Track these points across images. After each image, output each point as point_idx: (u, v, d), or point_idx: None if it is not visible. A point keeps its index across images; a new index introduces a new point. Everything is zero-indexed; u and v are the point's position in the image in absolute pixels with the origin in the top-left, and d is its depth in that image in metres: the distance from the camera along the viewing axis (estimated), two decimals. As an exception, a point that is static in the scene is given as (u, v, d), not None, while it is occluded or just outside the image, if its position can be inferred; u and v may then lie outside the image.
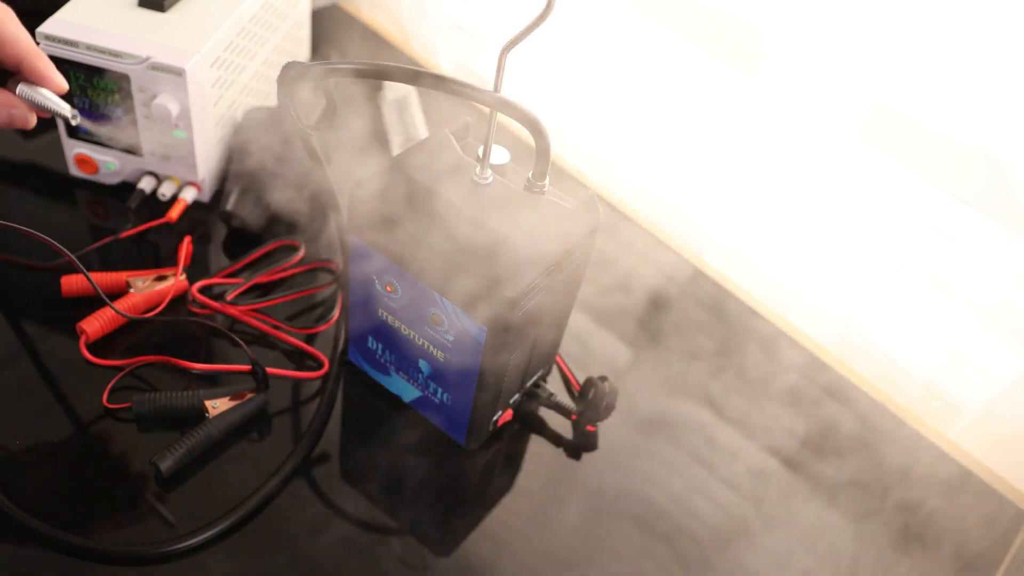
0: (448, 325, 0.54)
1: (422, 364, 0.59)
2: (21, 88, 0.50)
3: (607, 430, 0.66)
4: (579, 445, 0.65)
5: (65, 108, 0.52)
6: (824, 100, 0.69)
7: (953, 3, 0.59)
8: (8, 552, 0.53)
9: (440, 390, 0.60)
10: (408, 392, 0.63)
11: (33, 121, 0.51)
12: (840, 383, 0.74)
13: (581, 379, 0.68)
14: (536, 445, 0.65)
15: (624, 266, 0.81)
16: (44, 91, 0.51)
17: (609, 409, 0.65)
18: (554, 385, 0.69)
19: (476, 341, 0.53)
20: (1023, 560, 0.63)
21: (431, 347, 0.57)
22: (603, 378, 0.65)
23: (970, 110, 0.61)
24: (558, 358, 0.70)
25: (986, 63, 0.59)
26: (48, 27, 0.67)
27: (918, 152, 0.66)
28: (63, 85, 0.52)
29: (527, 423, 0.66)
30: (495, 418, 0.62)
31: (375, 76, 0.49)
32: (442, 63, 1.02)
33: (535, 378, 0.65)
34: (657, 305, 0.78)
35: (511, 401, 0.63)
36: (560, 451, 0.65)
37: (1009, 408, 0.68)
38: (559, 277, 0.54)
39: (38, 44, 0.67)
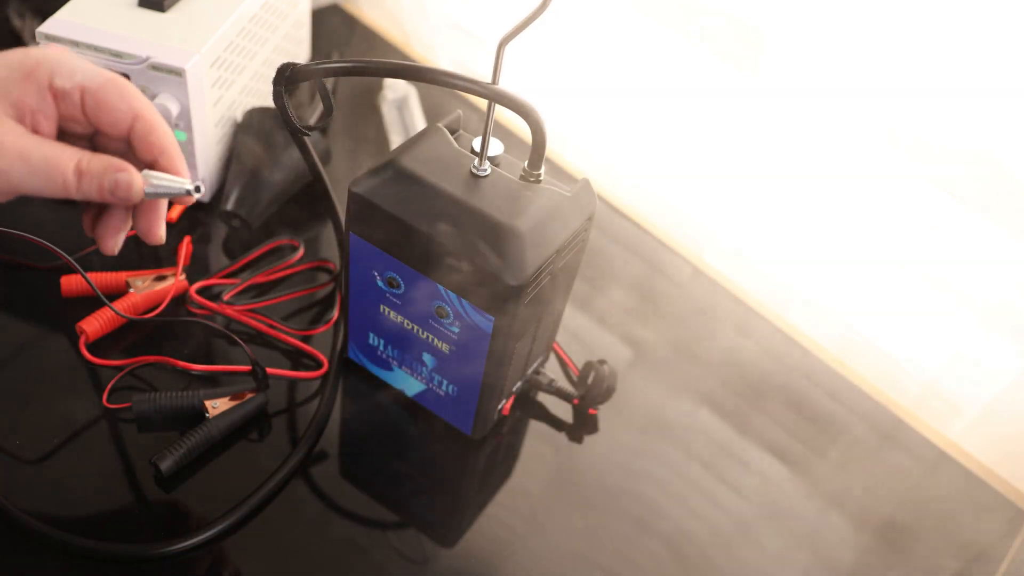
0: (454, 318, 0.55)
1: (426, 358, 0.59)
2: (147, 174, 0.45)
3: (605, 431, 0.66)
4: (581, 429, 0.66)
5: (188, 183, 0.45)
6: (824, 100, 0.69)
7: (953, 4, 0.59)
8: (8, 552, 0.53)
9: (445, 382, 0.60)
10: (412, 386, 0.63)
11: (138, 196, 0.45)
12: (840, 383, 0.74)
13: (578, 365, 0.69)
14: (538, 431, 0.66)
15: (623, 266, 0.81)
16: (165, 175, 0.46)
17: (610, 391, 0.66)
18: (552, 372, 0.69)
19: (483, 332, 0.53)
20: (1023, 560, 0.63)
21: (436, 340, 0.57)
22: (602, 361, 0.66)
23: (970, 111, 0.62)
24: (555, 345, 0.70)
25: (986, 64, 0.59)
26: (48, 27, 0.67)
27: (918, 152, 0.66)
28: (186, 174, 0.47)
29: (528, 410, 0.67)
30: (500, 406, 0.62)
31: (369, 74, 0.50)
32: (442, 63, 1.02)
33: (535, 365, 0.65)
34: (656, 305, 0.78)
35: (514, 388, 0.63)
36: (563, 435, 0.65)
37: (1009, 408, 0.68)
38: (560, 264, 0.55)
39: (37, 44, 0.67)
